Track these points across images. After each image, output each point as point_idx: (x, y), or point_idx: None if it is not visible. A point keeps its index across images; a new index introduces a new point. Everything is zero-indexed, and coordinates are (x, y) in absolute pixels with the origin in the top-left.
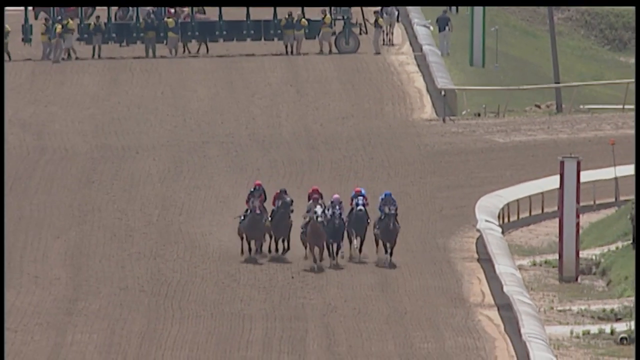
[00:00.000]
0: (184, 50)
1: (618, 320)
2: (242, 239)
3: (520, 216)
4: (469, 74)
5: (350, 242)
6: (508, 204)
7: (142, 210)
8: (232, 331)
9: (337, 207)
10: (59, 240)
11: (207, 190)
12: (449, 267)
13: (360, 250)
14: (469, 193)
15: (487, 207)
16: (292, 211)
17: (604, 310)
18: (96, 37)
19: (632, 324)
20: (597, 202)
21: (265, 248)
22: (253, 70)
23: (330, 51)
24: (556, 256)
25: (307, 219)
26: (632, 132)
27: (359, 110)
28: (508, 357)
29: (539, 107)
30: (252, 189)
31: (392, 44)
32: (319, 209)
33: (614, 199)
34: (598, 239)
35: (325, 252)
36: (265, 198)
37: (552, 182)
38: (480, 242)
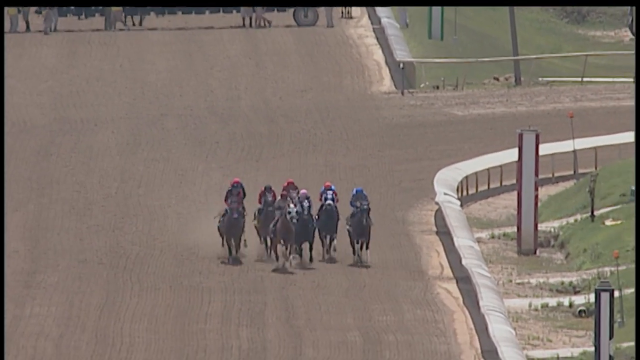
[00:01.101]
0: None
1: (576, 292)
2: (222, 238)
3: (479, 189)
4: (428, 47)
5: (323, 243)
6: (467, 177)
7: (100, 183)
8: (191, 304)
9: (306, 202)
10: (17, 213)
11: (165, 163)
12: (408, 240)
13: (334, 250)
14: (428, 166)
15: (446, 180)
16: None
17: (562, 283)
18: (53, 11)
19: (591, 297)
20: (556, 174)
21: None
22: (212, 43)
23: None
24: (515, 229)
25: (277, 217)
26: (591, 104)
27: (318, 83)
28: (467, 330)
29: (497, 79)
30: (230, 187)
31: (351, 17)
32: (292, 208)
33: (572, 172)
34: (556, 212)
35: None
36: (244, 195)
37: (510, 155)
38: (439, 215)
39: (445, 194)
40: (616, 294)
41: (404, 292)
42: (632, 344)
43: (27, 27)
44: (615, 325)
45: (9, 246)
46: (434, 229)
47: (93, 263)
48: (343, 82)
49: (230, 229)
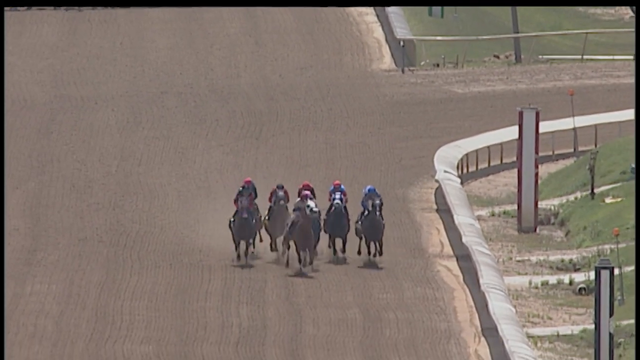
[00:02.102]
0: None
1: (576, 270)
2: (234, 241)
3: (479, 167)
4: (428, 25)
5: (333, 245)
6: (467, 155)
7: (101, 161)
8: (191, 282)
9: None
10: (17, 191)
11: (165, 141)
12: (408, 217)
13: (344, 250)
14: (428, 144)
15: (446, 157)
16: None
17: (562, 260)
18: None
19: (591, 274)
20: (556, 152)
21: (262, 247)
22: (212, 21)
23: None
24: (515, 207)
25: (294, 218)
26: (591, 82)
27: (318, 61)
28: (467, 308)
29: (497, 57)
30: (240, 188)
31: None
32: (312, 203)
33: (572, 150)
34: (557, 190)
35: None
36: (256, 195)
37: (511, 133)
38: (439, 193)
39: (445, 171)
40: (616, 271)
41: (404, 270)
42: (632, 321)
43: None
44: (615, 303)
45: (9, 224)
46: (434, 206)
47: (93, 241)
48: (343, 60)
49: (241, 230)
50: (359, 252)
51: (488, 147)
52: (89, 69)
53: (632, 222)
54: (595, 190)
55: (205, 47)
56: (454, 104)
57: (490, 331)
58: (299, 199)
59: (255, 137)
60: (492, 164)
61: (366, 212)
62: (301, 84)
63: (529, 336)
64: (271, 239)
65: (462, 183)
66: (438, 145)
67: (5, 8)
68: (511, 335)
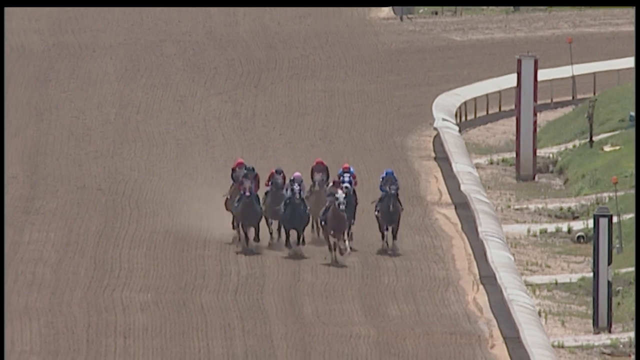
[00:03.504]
0: None
1: (575, 218)
2: (238, 225)
3: (478, 114)
4: None
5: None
6: (465, 103)
7: (99, 109)
8: (190, 229)
9: (297, 185)
10: (16, 139)
11: (164, 89)
12: (406, 165)
13: (351, 239)
14: (426, 92)
15: (445, 105)
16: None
17: (561, 208)
18: None
19: (589, 223)
20: (555, 100)
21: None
22: None
23: None
24: (513, 154)
25: (327, 204)
26: (589, 30)
27: (317, 8)
28: (465, 256)
29: (496, 5)
30: (244, 172)
31: None
32: (340, 194)
33: (571, 98)
34: (555, 138)
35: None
36: (258, 184)
37: (509, 81)
38: (438, 141)
39: (443, 119)
40: (615, 219)
41: (403, 218)
42: (631, 269)
43: None
44: (614, 251)
45: (8, 172)
46: (433, 154)
47: (92, 189)
48: (342, 8)
49: (246, 213)
50: (383, 237)
51: (486, 95)
52: (87, 17)
53: (631, 170)
54: (594, 139)
55: None
56: (452, 52)
57: (488, 279)
58: (331, 184)
59: (254, 85)
60: (490, 112)
61: (384, 197)
62: (300, 32)
63: (528, 284)
64: (267, 223)
65: (460, 131)
66: (436, 93)
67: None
68: (509, 283)
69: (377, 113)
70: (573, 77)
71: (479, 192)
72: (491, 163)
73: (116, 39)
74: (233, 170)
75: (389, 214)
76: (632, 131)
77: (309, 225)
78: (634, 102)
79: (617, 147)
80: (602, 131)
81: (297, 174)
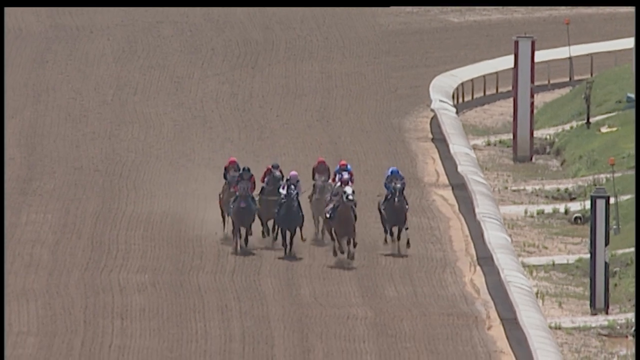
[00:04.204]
0: None
1: (572, 199)
2: (231, 224)
3: (475, 96)
4: None
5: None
6: (462, 84)
7: (96, 90)
8: (187, 211)
9: (293, 186)
10: (13, 120)
11: (161, 70)
12: (404, 147)
13: (354, 245)
14: (424, 73)
15: (442, 86)
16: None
17: (558, 189)
18: None
19: (586, 204)
20: (552, 81)
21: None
22: None
23: None
24: (510, 136)
25: (334, 203)
26: (587, 11)
27: None
28: (462, 237)
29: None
30: (240, 170)
31: None
32: (348, 189)
33: (568, 79)
34: (552, 119)
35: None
36: (238, 169)
37: (506, 62)
38: (435, 122)
39: (441, 100)
40: (612, 200)
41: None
42: (628, 250)
43: None
44: (611, 232)
45: (5, 153)
46: (430, 135)
47: (89, 170)
48: None
49: (240, 217)
50: (388, 238)
51: (484, 76)
52: None
53: (628, 151)
54: (591, 120)
55: None
56: (449, 33)
57: (485, 260)
58: (338, 183)
59: (251, 67)
60: (487, 93)
61: (389, 196)
62: (297, 13)
63: (525, 265)
64: (262, 223)
65: (457, 112)
66: (434, 75)
67: None
68: (506, 264)
69: (374, 94)
70: (570, 58)
71: (476, 173)
72: (488, 144)
73: (113, 21)
74: (225, 169)
75: (394, 211)
76: (630, 112)
77: (310, 224)
78: (632, 84)
79: (614, 129)
80: (599, 112)
81: (293, 173)
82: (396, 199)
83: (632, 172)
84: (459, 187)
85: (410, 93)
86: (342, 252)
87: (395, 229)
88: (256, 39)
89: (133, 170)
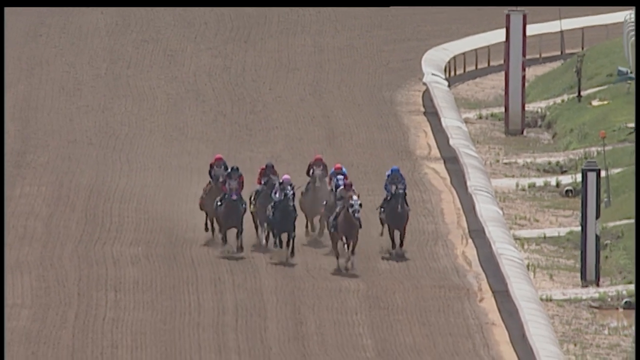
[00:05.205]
0: None
1: (563, 172)
2: (216, 224)
3: (467, 69)
4: None
5: (311, 225)
6: (454, 57)
7: (90, 63)
8: (180, 183)
9: (289, 189)
10: (7, 94)
11: (154, 44)
12: (396, 120)
13: (353, 252)
14: (416, 46)
15: (434, 60)
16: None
17: (549, 162)
18: None
19: (578, 177)
20: (543, 55)
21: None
22: None
23: None
24: (502, 109)
25: (338, 209)
26: None
27: None
28: (454, 210)
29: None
30: (229, 170)
31: None
32: (356, 200)
33: (559, 52)
34: (544, 92)
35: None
36: (226, 168)
37: (498, 36)
38: (427, 96)
39: (433, 74)
40: (603, 173)
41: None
42: (619, 223)
43: None
44: (602, 205)
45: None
46: (422, 109)
47: (83, 143)
48: None
49: (230, 215)
50: (382, 234)
51: (475, 50)
52: None
53: (619, 124)
54: (582, 93)
55: None
56: (441, 7)
57: (477, 233)
58: (342, 187)
59: (244, 41)
60: (479, 66)
61: (389, 198)
62: None
63: (516, 238)
64: (256, 227)
65: (449, 86)
66: (426, 48)
67: None
68: (498, 237)
69: (366, 68)
70: (562, 32)
71: (468, 146)
72: (480, 117)
73: None
74: (211, 166)
75: (397, 215)
76: (620, 86)
77: (304, 223)
78: (622, 58)
79: (605, 102)
80: (591, 86)
81: (286, 176)
82: (399, 207)
83: (623, 145)
84: (451, 160)
85: (402, 66)
86: (344, 258)
87: (396, 233)
88: (249, 12)
89: (126, 144)
